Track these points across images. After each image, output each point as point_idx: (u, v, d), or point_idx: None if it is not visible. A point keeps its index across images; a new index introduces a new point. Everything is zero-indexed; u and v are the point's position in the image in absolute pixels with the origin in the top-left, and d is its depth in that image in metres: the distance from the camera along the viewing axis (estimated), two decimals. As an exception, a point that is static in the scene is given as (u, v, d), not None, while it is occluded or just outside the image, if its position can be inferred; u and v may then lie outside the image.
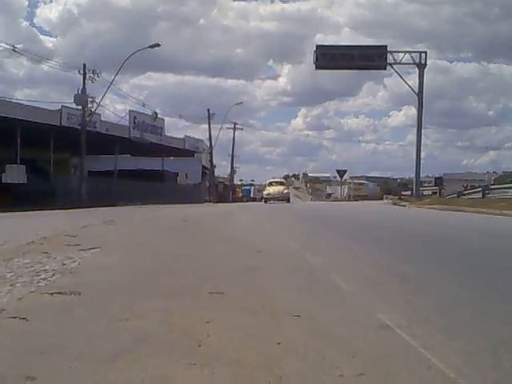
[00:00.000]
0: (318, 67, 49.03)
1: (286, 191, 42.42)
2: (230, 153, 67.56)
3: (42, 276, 5.70)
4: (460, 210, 23.28)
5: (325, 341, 3.41)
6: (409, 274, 6.11)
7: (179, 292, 4.95)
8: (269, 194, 41.86)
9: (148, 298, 4.67)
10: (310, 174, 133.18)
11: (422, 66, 45.94)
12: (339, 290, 5.10)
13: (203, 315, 4.01)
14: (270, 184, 45.08)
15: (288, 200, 40.61)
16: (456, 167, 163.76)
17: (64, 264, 6.54)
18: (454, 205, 26.66)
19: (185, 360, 3.04)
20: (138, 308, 4.27)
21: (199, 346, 3.31)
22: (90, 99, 33.00)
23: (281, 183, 45.99)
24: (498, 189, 33.48)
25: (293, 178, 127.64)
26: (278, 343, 3.34)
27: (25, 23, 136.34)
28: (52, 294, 4.80)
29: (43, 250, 7.79)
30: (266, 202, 40.82)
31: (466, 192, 38.28)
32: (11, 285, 5.22)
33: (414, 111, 51.88)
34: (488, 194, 32.63)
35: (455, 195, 37.96)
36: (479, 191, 34.60)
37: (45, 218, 17.87)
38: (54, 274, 5.81)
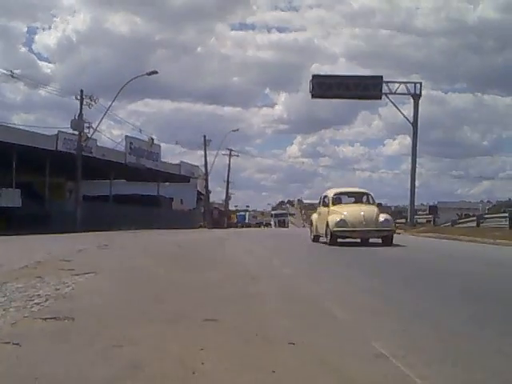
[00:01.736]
0: (314, 96, 49.36)
1: (383, 218, 17.46)
2: (226, 179, 67.74)
3: (36, 301, 5.66)
4: (455, 239, 23.26)
5: (319, 369, 3.39)
6: (405, 303, 6.09)
7: (173, 318, 4.92)
8: (343, 223, 17.17)
9: (142, 324, 4.64)
10: (305, 201, 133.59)
11: (416, 97, 46.32)
12: (334, 317, 5.08)
13: (197, 342, 3.99)
14: (337, 199, 19.08)
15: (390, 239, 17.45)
16: (450, 196, 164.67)
17: (58, 289, 6.50)
18: (448, 233, 26.66)
19: (179, 388, 3.02)
20: (132, 334, 4.24)
21: (193, 373, 3.28)
22: (86, 124, 33.21)
23: (361, 196, 19.70)
24: (492, 218, 33.51)
25: (288, 205, 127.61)
26: (273, 371, 3.32)
27: (23, 49, 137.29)
28: (45, 319, 4.76)
29: (37, 274, 7.74)
30: (333, 240, 17.06)
31: (461, 221, 38.33)
32: (4, 309, 5.18)
33: (408, 140, 52.14)
34: (482, 222, 32.64)
35: (449, 224, 37.99)
36: (473, 220, 34.65)
37: (39, 242, 17.78)
38: (47, 299, 5.77)
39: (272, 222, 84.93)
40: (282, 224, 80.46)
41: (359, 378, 3.22)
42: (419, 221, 46.03)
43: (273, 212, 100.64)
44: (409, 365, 3.44)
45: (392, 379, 3.23)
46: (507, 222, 28.48)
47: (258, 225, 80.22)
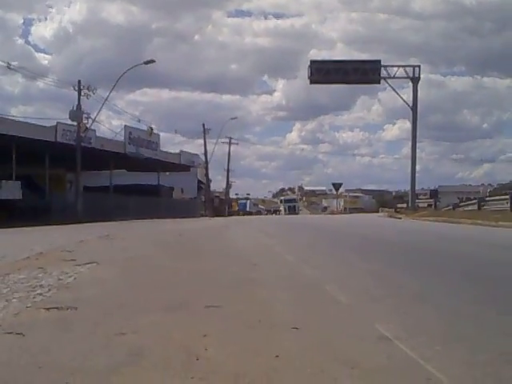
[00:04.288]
0: (312, 82, 49.35)
1: None
2: (226, 167, 67.57)
3: (38, 291, 5.66)
4: (456, 222, 23.30)
5: (323, 353, 3.39)
6: (407, 286, 6.09)
7: (176, 306, 4.92)
8: None
9: (144, 312, 4.64)
10: (305, 188, 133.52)
11: (415, 80, 46.27)
12: (337, 302, 5.08)
13: (200, 329, 3.99)
14: None
15: None
16: (451, 180, 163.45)
17: (60, 279, 6.51)
18: (449, 217, 26.70)
19: (182, 374, 3.02)
20: (134, 322, 4.25)
21: (197, 359, 3.28)
22: (85, 115, 33.05)
23: None
24: (493, 201, 33.50)
25: (289, 192, 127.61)
26: (277, 356, 3.32)
27: (20, 41, 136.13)
28: (48, 309, 4.77)
29: (39, 265, 7.75)
30: None
31: (462, 204, 38.32)
32: (7, 300, 5.19)
33: (408, 125, 52.28)
34: (483, 205, 32.66)
35: (451, 207, 38.00)
36: (475, 203, 34.63)
37: (40, 233, 17.80)
38: (50, 289, 5.78)
39: (282, 209, 79.90)
40: (293, 210, 75.52)
41: (363, 361, 3.22)
42: (420, 205, 46.12)
43: (282, 197, 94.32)
44: (412, 347, 3.45)
45: (396, 361, 3.23)
46: (508, 205, 28.49)
47: (259, 212, 78.96)
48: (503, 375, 2.96)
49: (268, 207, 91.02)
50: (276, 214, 76.41)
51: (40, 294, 5.50)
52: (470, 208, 33.96)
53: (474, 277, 6.83)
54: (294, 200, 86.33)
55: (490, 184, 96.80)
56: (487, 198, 37.21)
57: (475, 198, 38.70)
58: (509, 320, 4.25)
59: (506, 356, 3.29)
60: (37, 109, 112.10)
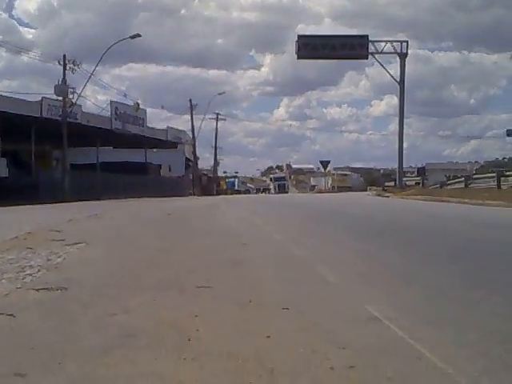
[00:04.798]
0: (299, 57, 49.11)
1: None
2: (213, 144, 67.36)
3: (28, 272, 5.64)
4: (443, 201, 23.43)
5: (314, 333, 3.42)
6: (396, 266, 6.14)
7: (166, 286, 4.93)
8: None
9: (135, 293, 4.64)
10: (293, 166, 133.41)
11: (403, 56, 46.20)
12: (327, 282, 5.11)
13: (192, 309, 4.00)
14: None
15: None
16: (438, 157, 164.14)
17: (49, 259, 6.49)
18: (437, 195, 26.83)
19: (174, 354, 3.03)
20: (125, 302, 4.25)
21: (189, 340, 3.30)
22: (70, 90, 32.73)
23: None
24: (481, 178, 33.71)
25: (277, 170, 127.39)
26: (268, 336, 3.34)
27: (3, 15, 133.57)
28: (38, 289, 4.76)
29: (28, 245, 7.71)
30: None
31: (449, 182, 38.52)
32: (-4, 281, 5.17)
33: (395, 100, 52.43)
34: (470, 183, 32.84)
35: (438, 185, 38.19)
36: (462, 181, 34.82)
37: (28, 212, 17.71)
38: (39, 270, 5.76)
39: (271, 187, 78.71)
40: (283, 189, 73.98)
41: (353, 341, 3.25)
42: (408, 183, 46.33)
43: (272, 175, 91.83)
44: (401, 327, 3.48)
45: (385, 341, 3.26)
46: (495, 183, 28.70)
47: (248, 191, 78.70)
48: (493, 354, 2.99)
49: (257, 185, 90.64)
50: (265, 192, 75.91)
51: (30, 275, 5.48)
52: (457, 186, 34.15)
53: (462, 256, 6.88)
54: (283, 178, 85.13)
55: (476, 161, 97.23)
56: (474, 176, 37.41)
57: (462, 176, 38.89)
58: (497, 299, 4.30)
59: (495, 335, 3.33)
60: (21, 83, 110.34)
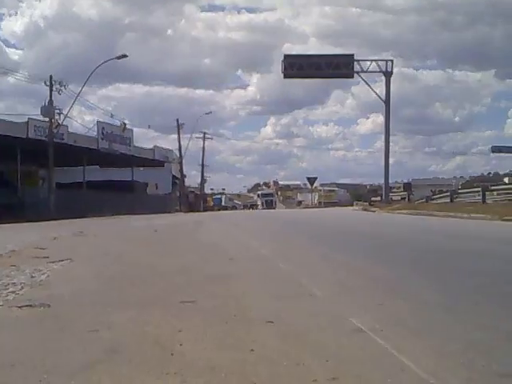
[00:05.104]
0: (286, 76, 49.52)
1: None
2: (200, 162, 67.35)
3: (11, 289, 5.59)
4: (429, 215, 23.57)
5: (298, 346, 3.41)
6: (381, 278, 6.15)
7: (150, 302, 4.90)
8: None
9: (119, 309, 4.61)
10: (280, 182, 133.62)
11: (388, 74, 46.70)
12: (312, 295, 5.11)
13: (175, 324, 3.98)
14: None
15: None
16: (424, 172, 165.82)
17: (33, 276, 6.43)
18: (423, 209, 26.99)
19: (157, 369, 3.01)
20: (108, 319, 4.21)
21: (172, 354, 3.27)
22: (57, 111, 32.56)
23: None
24: (466, 193, 33.97)
25: (264, 187, 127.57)
26: (252, 350, 3.33)
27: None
28: (21, 307, 4.71)
29: (11, 262, 7.65)
30: None
31: (435, 197, 38.73)
32: (-22, 299, 5.11)
33: (381, 118, 52.73)
34: (456, 198, 33.06)
35: (424, 200, 38.38)
36: (447, 196, 35.04)
37: (13, 230, 17.56)
38: (22, 287, 5.71)
39: (259, 203, 79.02)
40: (270, 205, 74.36)
41: (338, 353, 3.25)
42: (394, 198, 46.55)
43: (259, 192, 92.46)
44: (386, 338, 3.48)
45: (370, 352, 3.26)
46: (480, 197, 28.91)
47: (235, 207, 78.69)
48: (475, 364, 3.00)
49: (244, 202, 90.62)
50: (253, 208, 75.67)
51: (13, 292, 5.43)
52: (442, 200, 34.34)
53: (446, 268, 6.91)
54: (271, 194, 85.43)
55: (461, 176, 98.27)
56: (459, 191, 37.69)
57: (448, 191, 39.15)
58: (480, 310, 4.32)
59: (478, 346, 3.34)
60: (8, 105, 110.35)
